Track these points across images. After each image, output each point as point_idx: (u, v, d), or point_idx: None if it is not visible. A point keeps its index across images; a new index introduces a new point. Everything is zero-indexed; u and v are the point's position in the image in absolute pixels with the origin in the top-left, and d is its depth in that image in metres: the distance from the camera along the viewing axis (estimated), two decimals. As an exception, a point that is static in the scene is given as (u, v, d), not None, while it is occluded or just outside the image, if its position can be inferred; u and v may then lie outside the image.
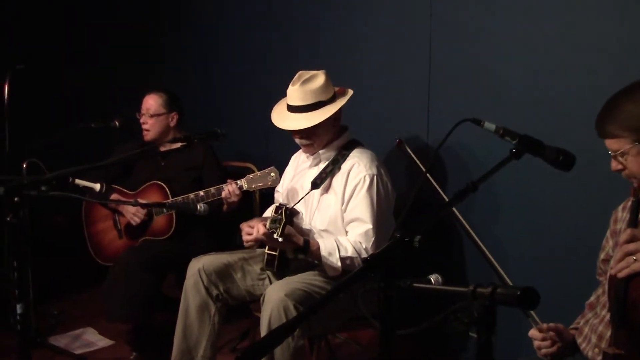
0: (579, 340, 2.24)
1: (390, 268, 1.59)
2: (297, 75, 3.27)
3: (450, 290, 1.59)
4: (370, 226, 3.16)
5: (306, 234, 3.23)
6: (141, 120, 4.14)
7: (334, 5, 4.29)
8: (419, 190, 3.28)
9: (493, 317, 1.40)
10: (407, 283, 1.66)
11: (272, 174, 3.59)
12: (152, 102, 4.14)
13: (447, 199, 2.14)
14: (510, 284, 2.27)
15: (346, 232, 3.25)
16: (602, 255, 2.36)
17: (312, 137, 3.28)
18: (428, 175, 2.61)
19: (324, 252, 3.10)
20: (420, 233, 1.62)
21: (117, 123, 4.18)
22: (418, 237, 1.62)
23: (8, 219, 2.42)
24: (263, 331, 3.01)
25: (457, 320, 1.45)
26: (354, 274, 1.60)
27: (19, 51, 4.84)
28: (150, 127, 4.12)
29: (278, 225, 2.94)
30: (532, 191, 3.26)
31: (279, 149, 4.51)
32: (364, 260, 1.60)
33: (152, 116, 4.11)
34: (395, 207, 3.38)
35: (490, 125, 2.24)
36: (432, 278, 1.78)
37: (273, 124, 3.35)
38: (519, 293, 1.32)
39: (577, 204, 3.08)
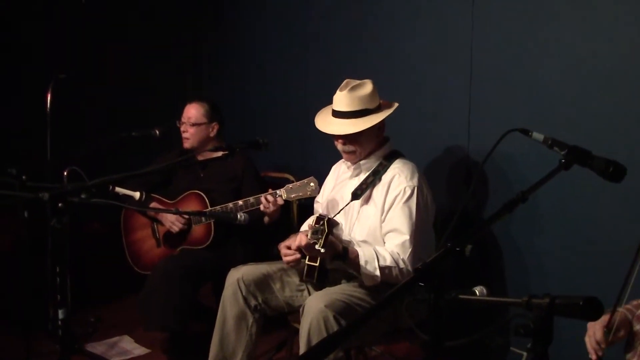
0: (628, 356, 2.19)
1: (441, 278, 1.57)
2: (344, 82, 3.27)
3: (501, 301, 1.57)
4: (408, 237, 3.13)
5: (346, 245, 3.21)
6: (182, 129, 4.16)
7: (374, 16, 4.28)
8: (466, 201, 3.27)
9: (550, 329, 1.37)
10: (452, 295, 1.64)
11: (312, 184, 3.58)
12: (193, 112, 4.15)
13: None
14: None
15: (384, 242, 3.22)
16: None
17: (355, 145, 3.26)
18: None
19: (362, 260, 3.07)
20: (471, 242, 1.60)
21: (157, 132, 4.20)
22: (469, 247, 1.59)
23: (52, 223, 2.43)
24: (302, 342, 2.99)
25: (514, 331, 1.41)
26: (403, 284, 1.57)
27: (61, 61, 4.88)
28: (190, 135, 4.13)
29: (320, 236, 2.91)
30: (574, 201, 3.23)
31: (317, 159, 4.52)
32: (415, 269, 1.58)
33: (193, 125, 4.12)
34: (435, 219, 3.35)
35: (538, 136, 2.21)
36: (477, 290, 1.75)
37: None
38: (581, 303, 1.28)
39: (623, 214, 3.03)
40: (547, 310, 1.35)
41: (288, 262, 3.20)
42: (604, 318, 2.14)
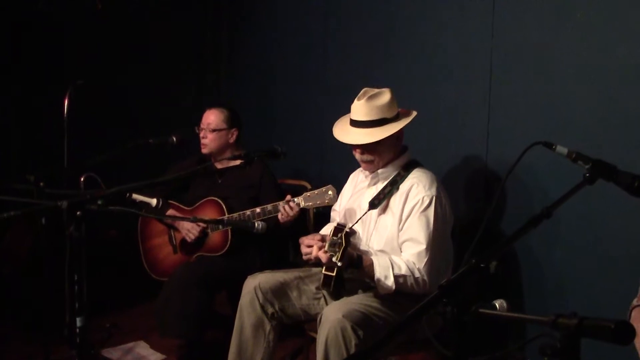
0: None
1: (465, 294, 1.55)
2: (362, 91, 3.24)
3: (526, 318, 1.55)
4: (424, 247, 3.11)
5: (363, 254, 3.19)
6: (201, 135, 4.17)
7: (393, 25, 4.27)
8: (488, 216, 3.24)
9: (578, 350, 1.35)
10: (473, 309, 1.62)
11: (330, 192, 3.57)
12: (213, 118, 4.16)
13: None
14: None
15: (401, 251, 3.20)
16: None
17: (373, 154, 3.24)
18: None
19: (376, 269, 3.06)
20: (496, 259, 1.58)
21: (174, 139, 4.19)
22: (495, 263, 1.58)
23: (68, 232, 2.44)
24: (319, 352, 2.97)
25: (539, 350, 1.39)
26: (428, 300, 1.56)
27: (79, 67, 4.90)
28: (209, 141, 4.14)
29: (337, 250, 2.89)
30: (596, 216, 3.18)
31: (334, 167, 4.51)
32: (439, 286, 1.56)
33: (212, 131, 4.13)
34: (452, 229, 3.33)
35: (562, 149, 2.19)
36: (497, 303, 1.72)
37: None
38: (613, 327, 1.26)
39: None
40: (575, 332, 1.33)
41: (305, 254, 3.17)
42: None
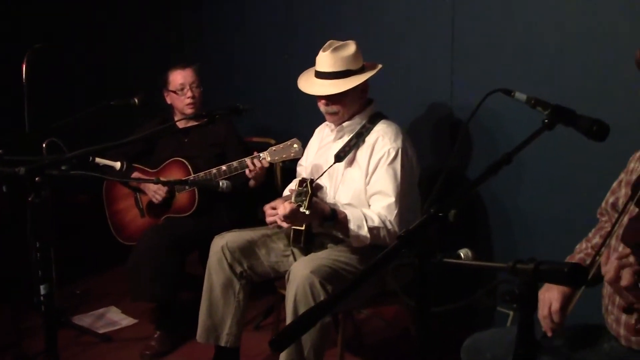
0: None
1: (426, 244, 1.54)
2: (327, 43, 3.22)
3: (486, 266, 1.54)
4: (393, 199, 3.11)
5: (332, 206, 3.17)
6: (187, 95, 4.08)
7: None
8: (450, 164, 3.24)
9: (535, 294, 1.34)
10: (438, 258, 1.60)
11: (295, 146, 3.54)
12: (195, 75, 4.13)
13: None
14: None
15: (369, 205, 3.19)
16: (611, 199, 2.34)
17: (338, 105, 3.21)
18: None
19: (351, 220, 3.04)
20: (455, 207, 1.56)
21: (136, 100, 4.12)
22: (453, 212, 1.56)
23: (30, 199, 2.39)
24: (288, 308, 2.97)
25: (500, 297, 1.38)
26: (387, 252, 1.54)
27: (37, 30, 4.80)
28: (197, 99, 4.11)
29: (304, 198, 2.86)
30: (561, 162, 3.20)
31: (300, 124, 4.47)
32: (399, 236, 1.54)
33: (197, 87, 4.11)
34: (420, 179, 3.33)
35: (521, 96, 2.16)
36: (462, 253, 1.71)
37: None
38: (566, 270, 1.25)
39: (610, 175, 2.99)
40: (532, 276, 1.32)
41: (270, 223, 3.17)
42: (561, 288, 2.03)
